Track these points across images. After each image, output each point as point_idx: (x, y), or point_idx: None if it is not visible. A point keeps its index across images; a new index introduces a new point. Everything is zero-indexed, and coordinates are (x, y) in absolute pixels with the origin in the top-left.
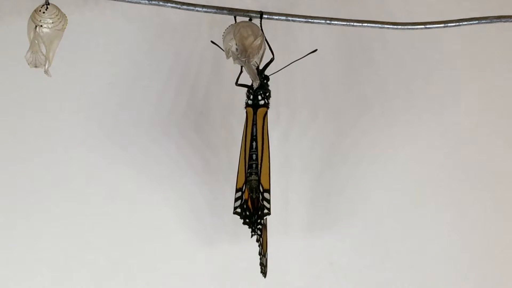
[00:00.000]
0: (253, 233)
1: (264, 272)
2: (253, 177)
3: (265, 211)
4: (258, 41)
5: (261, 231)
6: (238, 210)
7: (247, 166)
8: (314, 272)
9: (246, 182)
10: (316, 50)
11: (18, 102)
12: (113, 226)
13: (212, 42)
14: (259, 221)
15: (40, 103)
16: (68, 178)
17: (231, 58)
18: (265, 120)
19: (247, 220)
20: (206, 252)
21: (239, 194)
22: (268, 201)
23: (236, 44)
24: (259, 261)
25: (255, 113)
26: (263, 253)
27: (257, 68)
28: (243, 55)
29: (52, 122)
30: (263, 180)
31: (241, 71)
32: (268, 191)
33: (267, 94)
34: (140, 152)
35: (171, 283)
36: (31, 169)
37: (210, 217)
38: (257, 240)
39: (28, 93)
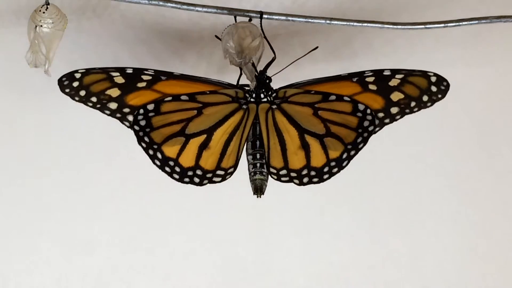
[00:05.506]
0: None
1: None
2: (258, 176)
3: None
4: (256, 42)
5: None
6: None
7: (250, 166)
8: (314, 272)
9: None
10: (317, 47)
11: (18, 102)
12: (114, 226)
13: (216, 37)
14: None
15: (40, 103)
16: (69, 178)
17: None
18: (272, 114)
19: None
20: (207, 252)
21: (222, 172)
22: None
23: (233, 45)
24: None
25: (257, 109)
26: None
27: (255, 67)
28: (239, 56)
29: (53, 122)
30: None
31: (241, 73)
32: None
33: (270, 93)
34: (142, 152)
35: (171, 283)
36: (31, 170)
37: (212, 217)
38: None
39: (28, 93)
